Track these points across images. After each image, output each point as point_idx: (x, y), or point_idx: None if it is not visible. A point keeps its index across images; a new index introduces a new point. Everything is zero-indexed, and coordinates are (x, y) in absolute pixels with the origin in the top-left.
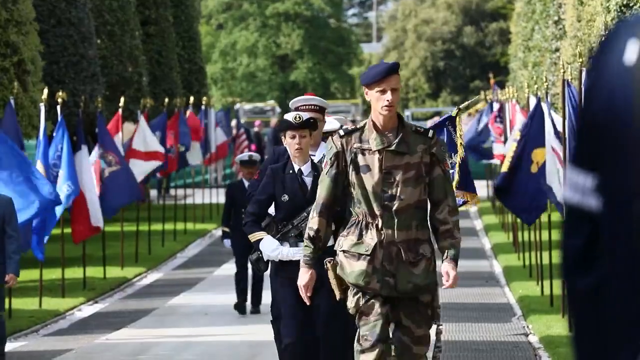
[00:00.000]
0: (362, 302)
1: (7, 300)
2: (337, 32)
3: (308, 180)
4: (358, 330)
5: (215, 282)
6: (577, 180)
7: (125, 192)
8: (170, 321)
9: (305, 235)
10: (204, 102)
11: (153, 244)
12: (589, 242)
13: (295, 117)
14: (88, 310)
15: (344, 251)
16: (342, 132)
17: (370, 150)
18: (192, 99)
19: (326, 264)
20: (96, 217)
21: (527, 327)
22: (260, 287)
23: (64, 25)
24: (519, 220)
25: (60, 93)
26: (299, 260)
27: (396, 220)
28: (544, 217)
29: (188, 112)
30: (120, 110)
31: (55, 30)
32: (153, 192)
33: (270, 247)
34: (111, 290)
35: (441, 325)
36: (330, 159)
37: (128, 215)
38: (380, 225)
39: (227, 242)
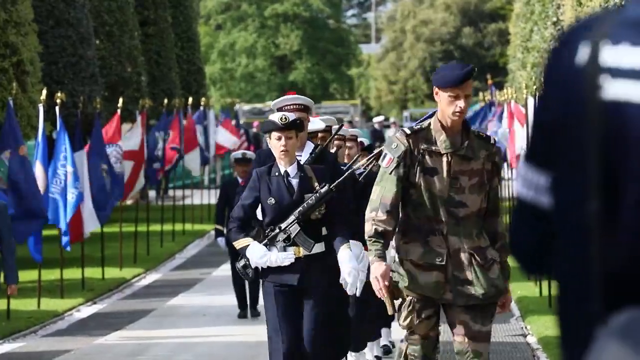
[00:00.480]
0: (415, 321)
1: (5, 301)
2: (336, 32)
3: (295, 182)
4: (405, 345)
5: (214, 282)
6: (531, 178)
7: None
8: (169, 322)
9: (372, 232)
10: (202, 103)
11: (152, 245)
12: (542, 240)
13: (281, 118)
14: (87, 311)
15: (411, 261)
16: (407, 131)
17: (439, 152)
18: (190, 99)
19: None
20: (88, 221)
21: (526, 327)
22: (257, 287)
23: (62, 26)
24: None
25: (59, 94)
26: (287, 266)
27: (461, 228)
28: None
29: (187, 117)
30: (119, 111)
31: (54, 31)
32: (152, 193)
33: (258, 254)
34: (110, 291)
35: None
36: (398, 157)
37: (127, 216)
38: (445, 232)
39: (222, 241)
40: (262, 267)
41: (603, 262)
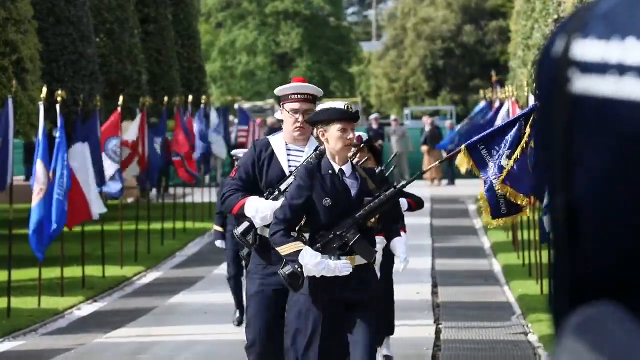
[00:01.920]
0: None
1: (6, 300)
2: (336, 30)
3: (350, 183)
4: None
5: (215, 281)
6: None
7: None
8: (170, 320)
9: None
10: (203, 101)
11: (152, 243)
12: None
13: (348, 107)
14: (87, 309)
15: None
16: None
17: None
18: (191, 97)
19: None
20: (95, 206)
21: (527, 326)
22: None
23: (63, 23)
24: (518, 219)
25: (59, 92)
26: (339, 277)
27: None
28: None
29: (187, 115)
30: (119, 109)
31: (55, 29)
32: (152, 191)
33: (314, 261)
34: (110, 289)
35: (441, 324)
36: None
37: (127, 214)
38: None
39: (221, 244)
40: (308, 278)
41: (571, 258)
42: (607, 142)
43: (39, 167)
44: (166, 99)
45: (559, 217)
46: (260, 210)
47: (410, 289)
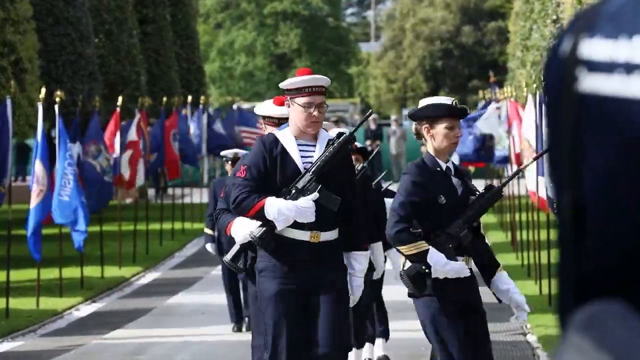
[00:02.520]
0: None
1: (4, 300)
2: (335, 31)
3: (455, 182)
4: None
5: (213, 281)
6: None
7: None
8: (168, 320)
9: None
10: (202, 101)
11: (151, 243)
12: None
13: (455, 103)
14: (86, 309)
15: None
16: None
17: None
18: (190, 97)
19: None
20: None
21: (526, 326)
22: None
23: (61, 24)
24: (517, 219)
25: (58, 92)
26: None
27: None
28: (542, 217)
29: (185, 111)
30: (118, 109)
31: (53, 29)
32: (151, 192)
33: (442, 261)
34: (109, 289)
35: None
36: None
37: (126, 215)
38: None
39: (211, 247)
40: (432, 280)
41: (576, 256)
42: (613, 140)
43: (38, 167)
44: (165, 99)
45: (566, 215)
46: (282, 211)
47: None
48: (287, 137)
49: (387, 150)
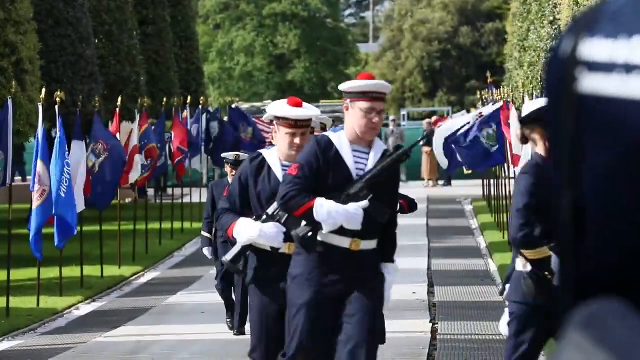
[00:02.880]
0: None
1: (4, 299)
2: (334, 32)
3: None
4: None
5: (212, 280)
6: None
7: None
8: (168, 320)
9: None
10: (201, 102)
11: (150, 243)
12: None
13: None
14: (86, 309)
15: None
16: None
17: None
18: (189, 98)
19: None
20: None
21: None
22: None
23: (62, 25)
24: None
25: (58, 92)
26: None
27: None
28: None
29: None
30: (118, 110)
31: (54, 30)
32: (150, 191)
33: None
34: (109, 289)
35: (437, 324)
36: None
37: (125, 214)
38: None
39: (207, 251)
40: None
41: (576, 255)
42: (613, 140)
43: (40, 167)
44: (164, 100)
45: (566, 214)
46: (332, 214)
47: (406, 288)
48: (342, 141)
49: None
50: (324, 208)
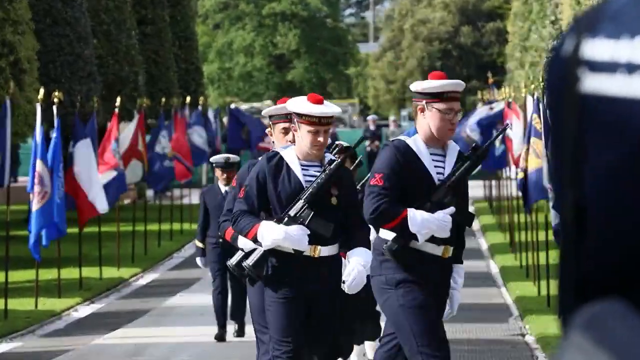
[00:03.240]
0: None
1: (2, 301)
2: (333, 32)
3: None
4: None
5: (211, 283)
6: None
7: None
8: (167, 321)
9: None
10: (200, 102)
11: (149, 244)
12: None
13: None
14: (84, 310)
15: None
16: None
17: None
18: (188, 98)
19: None
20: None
21: (524, 327)
22: (243, 309)
23: (60, 24)
24: (516, 220)
25: (56, 93)
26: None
27: None
28: (540, 218)
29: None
30: (116, 110)
31: (52, 30)
32: (149, 192)
33: None
34: (107, 290)
35: None
36: None
37: (124, 216)
38: None
39: (200, 261)
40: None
41: (577, 255)
42: (615, 140)
43: (40, 167)
44: (163, 100)
45: (567, 214)
46: (425, 224)
47: None
48: (418, 145)
49: None
50: (418, 218)
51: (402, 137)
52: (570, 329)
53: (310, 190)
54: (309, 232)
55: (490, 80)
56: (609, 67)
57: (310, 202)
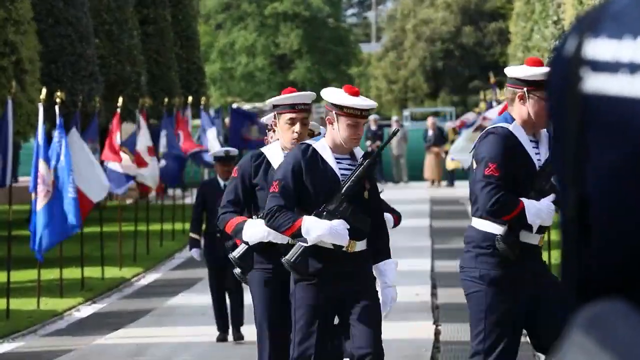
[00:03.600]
0: None
1: (4, 301)
2: (335, 32)
3: None
4: None
5: None
6: None
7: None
8: (169, 321)
9: None
10: (202, 102)
11: (151, 244)
12: None
13: None
14: (86, 310)
15: None
16: None
17: None
18: (190, 98)
19: None
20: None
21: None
22: (241, 309)
23: (62, 24)
24: None
25: (58, 92)
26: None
27: None
28: None
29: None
30: (118, 110)
31: (54, 30)
32: (151, 193)
33: None
34: (109, 290)
35: (440, 325)
36: None
37: (126, 215)
38: None
39: (196, 253)
40: None
41: (579, 255)
42: (617, 139)
43: (42, 167)
44: (165, 100)
45: (569, 214)
46: (540, 214)
47: (409, 290)
48: (519, 132)
49: (388, 151)
50: (532, 209)
51: (502, 125)
52: (572, 328)
53: (349, 184)
54: (349, 227)
55: (492, 80)
56: (611, 67)
57: (349, 197)
